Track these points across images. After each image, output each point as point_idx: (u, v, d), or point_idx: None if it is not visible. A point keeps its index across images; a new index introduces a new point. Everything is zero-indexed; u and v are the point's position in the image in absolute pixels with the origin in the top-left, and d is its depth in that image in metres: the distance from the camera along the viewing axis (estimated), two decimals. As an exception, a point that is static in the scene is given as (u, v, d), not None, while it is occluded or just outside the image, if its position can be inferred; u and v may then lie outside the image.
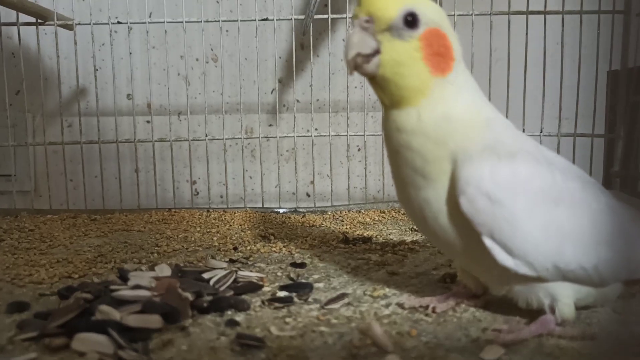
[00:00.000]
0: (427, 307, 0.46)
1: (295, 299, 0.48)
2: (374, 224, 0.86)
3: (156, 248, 0.69)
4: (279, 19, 1.01)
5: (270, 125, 1.15)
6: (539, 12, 0.93)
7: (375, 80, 0.42)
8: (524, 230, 0.39)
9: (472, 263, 0.45)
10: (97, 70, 1.02)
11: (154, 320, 0.42)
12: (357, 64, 0.40)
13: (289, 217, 0.90)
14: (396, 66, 0.40)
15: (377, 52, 0.40)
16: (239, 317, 0.45)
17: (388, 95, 0.42)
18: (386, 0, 0.40)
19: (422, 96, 0.41)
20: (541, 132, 0.95)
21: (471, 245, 0.41)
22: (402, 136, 0.42)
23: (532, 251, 0.40)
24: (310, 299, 0.49)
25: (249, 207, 0.99)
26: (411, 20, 0.40)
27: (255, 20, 0.96)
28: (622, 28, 0.92)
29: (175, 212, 0.93)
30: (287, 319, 0.44)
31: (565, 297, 0.41)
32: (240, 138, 1.00)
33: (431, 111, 0.41)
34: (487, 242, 0.40)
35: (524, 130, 0.95)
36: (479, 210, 0.39)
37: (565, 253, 0.40)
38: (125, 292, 0.45)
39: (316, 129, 1.07)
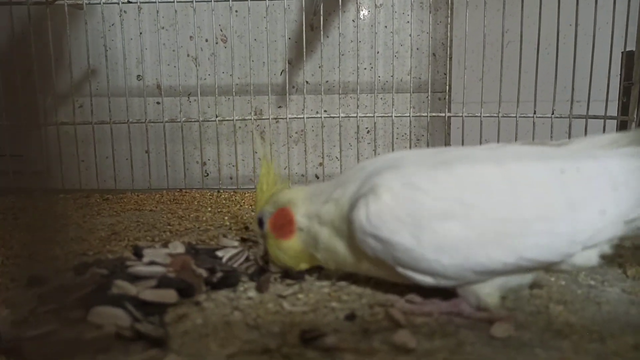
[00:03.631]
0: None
1: (307, 276, 0.49)
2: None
3: (168, 227, 0.70)
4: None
5: (279, 106, 1.15)
6: (553, -8, 0.91)
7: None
8: (418, 255, 0.39)
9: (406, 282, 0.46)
10: (107, 50, 1.02)
11: (169, 295, 0.43)
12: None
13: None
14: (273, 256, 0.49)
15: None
16: (252, 292, 0.45)
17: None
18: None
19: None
20: (552, 114, 0.94)
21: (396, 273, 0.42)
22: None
23: (440, 269, 0.39)
24: (321, 276, 0.49)
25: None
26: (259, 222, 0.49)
27: (265, 0, 0.96)
28: (638, 8, 0.90)
29: (186, 192, 0.94)
30: (299, 295, 0.45)
31: (488, 288, 0.41)
32: (250, 119, 1.00)
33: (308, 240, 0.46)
34: (400, 270, 0.41)
35: (535, 112, 0.94)
36: (374, 250, 0.41)
37: (476, 259, 0.39)
38: (140, 268, 0.46)
39: (325, 111, 1.07)
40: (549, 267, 0.42)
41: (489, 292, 0.41)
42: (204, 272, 0.47)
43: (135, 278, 0.45)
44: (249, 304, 0.43)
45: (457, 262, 0.39)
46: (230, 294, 0.45)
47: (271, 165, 0.51)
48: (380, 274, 0.45)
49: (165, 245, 0.55)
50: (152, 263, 0.48)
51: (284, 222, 0.47)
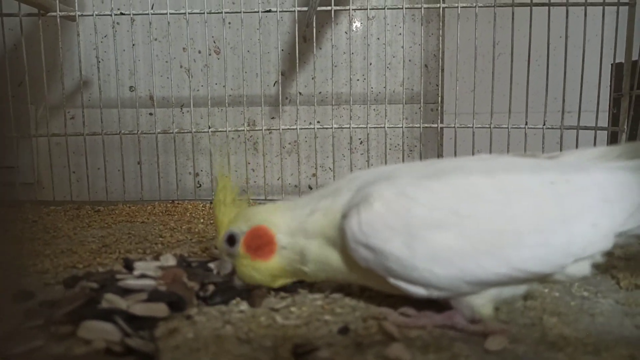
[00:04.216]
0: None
1: (300, 289, 0.49)
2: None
3: (160, 239, 0.69)
4: (282, 11, 1.00)
5: (272, 118, 1.15)
6: (543, 4, 0.92)
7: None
8: (411, 265, 0.39)
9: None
10: (99, 62, 1.02)
11: (160, 309, 0.42)
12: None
13: (292, 209, 0.90)
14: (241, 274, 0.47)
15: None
16: (244, 306, 0.45)
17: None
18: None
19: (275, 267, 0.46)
20: (544, 124, 0.95)
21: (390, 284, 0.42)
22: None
23: (433, 279, 0.39)
24: (314, 289, 0.49)
25: (252, 200, 1.00)
26: (230, 239, 0.47)
27: (258, 12, 0.96)
28: (626, 20, 0.92)
29: (178, 203, 0.93)
30: (292, 308, 0.44)
31: (482, 299, 0.41)
32: (243, 130, 1.00)
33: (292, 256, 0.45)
34: (392, 281, 0.41)
35: (526, 124, 0.95)
36: (366, 260, 0.41)
37: (469, 270, 0.39)
38: (131, 281, 0.45)
39: (319, 122, 1.07)
40: (542, 279, 0.42)
41: (482, 303, 0.41)
42: (195, 285, 0.46)
43: (126, 291, 0.44)
44: (240, 317, 0.43)
45: (450, 272, 0.39)
46: (222, 307, 0.45)
47: (228, 180, 0.49)
48: (372, 284, 0.44)
49: (156, 257, 0.54)
50: (142, 276, 0.47)
51: (261, 243, 0.45)
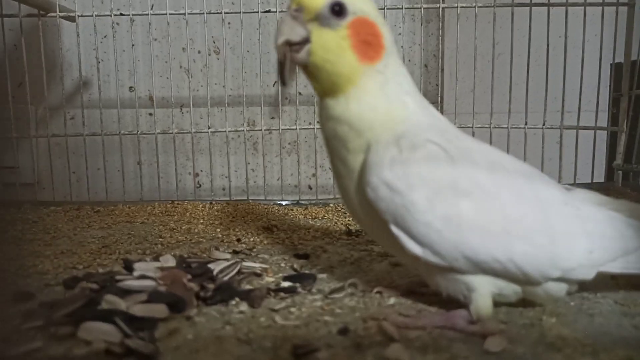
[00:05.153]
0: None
1: (299, 289, 0.49)
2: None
3: (160, 239, 0.69)
4: (282, 11, 1.00)
5: (272, 118, 1.15)
6: (542, 4, 0.92)
7: (308, 69, 0.43)
8: (425, 219, 0.40)
9: (396, 253, 0.46)
10: (99, 62, 1.02)
11: (159, 310, 0.42)
12: (286, 52, 0.41)
13: (292, 209, 0.90)
14: (325, 54, 0.41)
15: (307, 40, 0.41)
16: (244, 307, 0.45)
17: (320, 84, 0.43)
18: None
19: (352, 84, 0.42)
20: (544, 124, 0.95)
21: (388, 234, 0.42)
22: (330, 124, 0.43)
23: (437, 240, 0.40)
24: (314, 290, 0.49)
25: (252, 200, 1.00)
26: (338, 10, 0.41)
27: (257, 12, 0.96)
28: (625, 20, 0.92)
29: (178, 204, 0.93)
30: (292, 309, 0.44)
31: (482, 292, 0.41)
32: (243, 131, 1.00)
33: (358, 100, 0.42)
34: (394, 229, 0.41)
35: (526, 123, 0.95)
36: (380, 198, 0.40)
37: (472, 244, 0.40)
38: (130, 282, 0.46)
39: (318, 122, 1.07)
40: (524, 283, 0.42)
41: (482, 301, 0.41)
42: (195, 286, 0.46)
43: (126, 292, 0.44)
44: (240, 318, 0.43)
45: (454, 239, 0.39)
46: (221, 308, 0.45)
47: None
48: (366, 220, 0.44)
49: (156, 258, 0.54)
50: (142, 277, 0.47)
51: (372, 39, 0.42)
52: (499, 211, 0.41)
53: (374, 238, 0.47)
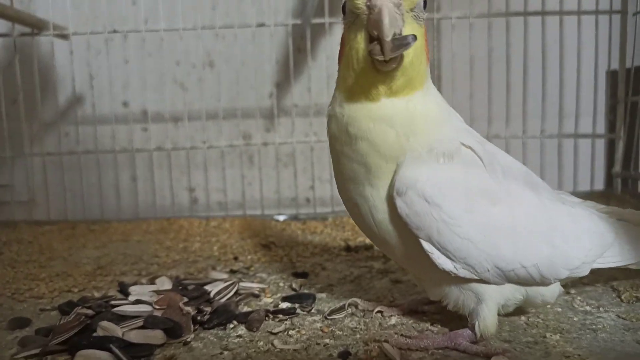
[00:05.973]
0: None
1: (299, 310, 0.48)
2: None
3: (156, 259, 0.68)
4: (276, 25, 1.00)
5: (268, 130, 1.15)
6: (536, 14, 0.92)
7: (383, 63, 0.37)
8: (462, 232, 0.38)
9: (410, 265, 0.44)
10: (93, 78, 1.01)
11: (156, 336, 0.41)
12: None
13: (289, 224, 0.90)
14: (415, 49, 0.37)
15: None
16: (242, 330, 0.44)
17: (395, 81, 0.38)
18: None
19: (420, 85, 0.40)
20: (541, 133, 0.94)
21: (408, 248, 0.41)
22: (371, 125, 0.39)
23: (472, 253, 0.39)
24: (313, 310, 0.48)
25: (249, 214, 0.99)
26: (425, 4, 0.39)
27: (252, 27, 0.96)
28: (619, 28, 0.92)
29: (174, 220, 0.92)
30: (291, 332, 0.44)
31: (490, 304, 0.41)
32: (239, 145, 0.99)
33: (416, 102, 0.39)
34: (426, 245, 0.39)
35: (524, 132, 0.95)
36: (416, 213, 0.38)
37: (505, 253, 0.39)
38: (126, 308, 0.45)
39: (315, 133, 1.06)
40: (536, 284, 0.42)
41: (488, 312, 0.41)
42: (191, 310, 0.45)
43: (121, 318, 0.44)
44: (238, 342, 0.42)
45: (488, 249, 0.39)
46: (219, 332, 0.44)
47: None
48: (382, 234, 0.41)
49: (152, 280, 0.53)
50: (138, 302, 0.46)
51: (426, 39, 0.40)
52: (524, 217, 0.41)
53: (386, 251, 0.44)
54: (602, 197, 0.93)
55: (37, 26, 0.94)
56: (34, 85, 0.95)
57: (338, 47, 0.43)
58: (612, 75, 0.95)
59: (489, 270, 0.39)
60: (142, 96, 1.06)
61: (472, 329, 0.41)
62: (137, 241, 0.79)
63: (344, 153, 0.41)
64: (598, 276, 0.55)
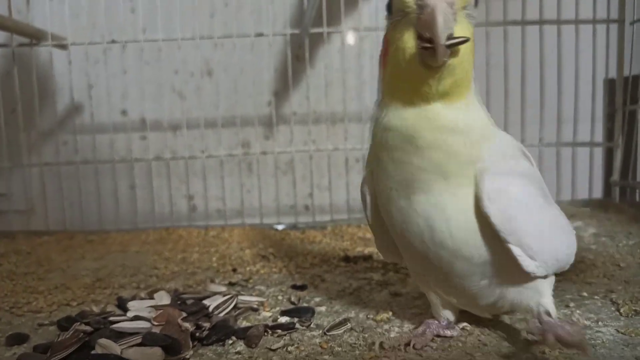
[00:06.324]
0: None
1: (297, 325, 0.48)
2: (374, 239, 0.86)
3: (154, 270, 0.68)
4: (275, 34, 1.00)
5: (267, 138, 1.15)
6: (534, 23, 0.93)
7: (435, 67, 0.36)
8: (543, 230, 0.41)
9: (457, 281, 0.42)
10: (91, 88, 1.01)
11: (154, 354, 0.41)
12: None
13: (288, 234, 0.89)
14: (466, 49, 0.35)
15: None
16: (240, 346, 0.44)
17: (445, 84, 0.36)
18: None
19: (468, 90, 0.38)
20: (540, 141, 0.95)
21: (480, 258, 0.40)
22: (435, 135, 0.37)
23: (546, 249, 0.40)
24: (312, 325, 0.48)
25: (248, 223, 0.99)
26: (477, 1, 0.37)
27: (250, 36, 0.96)
28: (617, 37, 0.92)
29: (172, 230, 0.92)
30: (290, 348, 0.43)
31: (547, 294, 0.43)
32: (238, 155, 0.99)
33: (468, 108, 0.38)
34: (516, 250, 0.39)
35: (522, 141, 0.95)
36: (509, 218, 0.38)
37: (559, 246, 0.43)
38: (124, 325, 0.45)
39: (314, 141, 1.06)
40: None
41: (550, 300, 0.43)
42: (190, 326, 0.45)
43: (120, 335, 0.44)
44: (237, 359, 0.42)
45: (551, 245, 0.41)
46: (218, 348, 0.44)
47: None
48: (442, 252, 0.40)
49: (150, 295, 0.53)
50: (136, 318, 0.46)
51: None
52: (557, 210, 0.44)
53: (430, 269, 0.42)
54: (600, 205, 0.93)
55: (36, 36, 0.94)
56: (33, 95, 0.95)
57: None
58: (609, 84, 0.95)
59: (553, 265, 0.42)
60: (141, 105, 1.06)
61: (540, 317, 0.42)
62: (135, 252, 0.79)
63: (413, 163, 0.38)
64: (597, 288, 0.54)
